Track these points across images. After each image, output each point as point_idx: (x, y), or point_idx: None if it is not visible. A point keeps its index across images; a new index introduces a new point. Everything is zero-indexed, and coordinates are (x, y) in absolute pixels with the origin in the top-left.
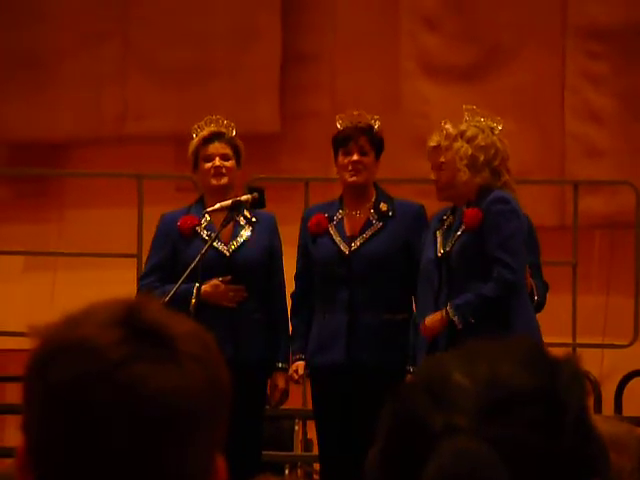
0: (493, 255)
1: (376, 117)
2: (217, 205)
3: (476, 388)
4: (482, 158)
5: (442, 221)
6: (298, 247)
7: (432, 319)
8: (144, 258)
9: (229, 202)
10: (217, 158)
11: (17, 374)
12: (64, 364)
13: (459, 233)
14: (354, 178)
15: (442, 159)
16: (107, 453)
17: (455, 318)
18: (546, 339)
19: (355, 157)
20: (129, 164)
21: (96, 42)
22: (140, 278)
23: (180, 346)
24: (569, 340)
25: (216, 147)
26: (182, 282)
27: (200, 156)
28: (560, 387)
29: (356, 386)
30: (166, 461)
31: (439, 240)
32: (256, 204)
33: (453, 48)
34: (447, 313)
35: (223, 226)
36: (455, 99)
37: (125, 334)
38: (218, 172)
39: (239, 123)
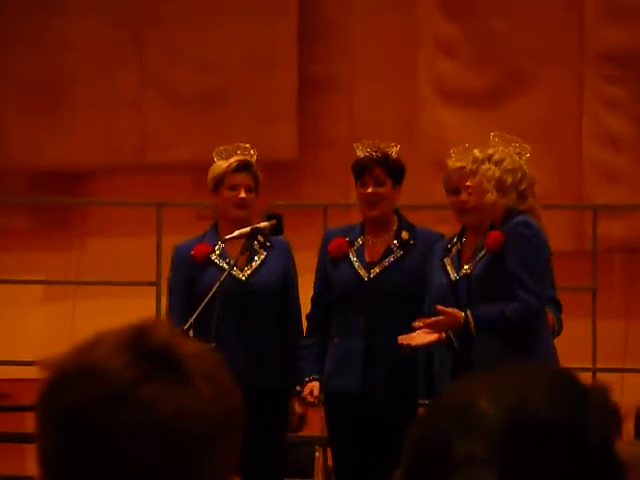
0: (516, 277)
1: (392, 144)
2: (236, 232)
3: (500, 417)
4: (510, 181)
5: (448, 249)
6: (316, 269)
7: (451, 315)
8: (164, 286)
9: (248, 229)
10: (242, 189)
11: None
12: (74, 390)
13: (481, 255)
14: (370, 213)
15: (469, 183)
16: (124, 474)
17: (471, 326)
18: (566, 364)
19: (370, 189)
20: (149, 192)
21: (113, 70)
22: (168, 311)
23: (190, 366)
24: (589, 365)
25: (243, 178)
26: (201, 311)
27: (225, 183)
28: (586, 420)
29: (371, 413)
30: (186, 479)
31: (449, 266)
32: (275, 231)
33: (471, 73)
34: (466, 317)
35: (242, 253)
36: (473, 124)
37: (134, 357)
38: (242, 204)
39: (257, 150)
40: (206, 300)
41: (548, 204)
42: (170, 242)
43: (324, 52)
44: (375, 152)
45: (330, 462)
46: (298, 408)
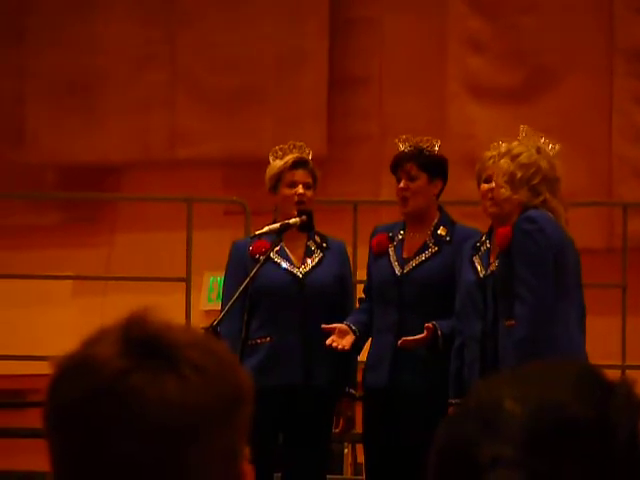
0: (517, 276)
1: (430, 139)
2: (265, 228)
3: (526, 417)
4: (519, 175)
5: (477, 247)
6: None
7: None
8: (194, 282)
9: (277, 225)
10: (300, 186)
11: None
12: (69, 384)
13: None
14: (402, 209)
15: (489, 172)
16: (118, 465)
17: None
18: (595, 361)
19: (402, 184)
20: (178, 188)
21: (145, 68)
22: (222, 308)
23: (179, 355)
24: (619, 362)
25: (301, 175)
26: (234, 301)
27: (283, 180)
28: (612, 415)
29: (401, 410)
30: (176, 469)
31: (478, 264)
32: (304, 227)
33: (500, 70)
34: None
35: (271, 249)
36: (502, 121)
37: (123, 348)
38: (301, 201)
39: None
40: (238, 292)
41: (578, 201)
42: (200, 237)
43: (354, 50)
44: (409, 147)
45: (359, 458)
46: (347, 410)
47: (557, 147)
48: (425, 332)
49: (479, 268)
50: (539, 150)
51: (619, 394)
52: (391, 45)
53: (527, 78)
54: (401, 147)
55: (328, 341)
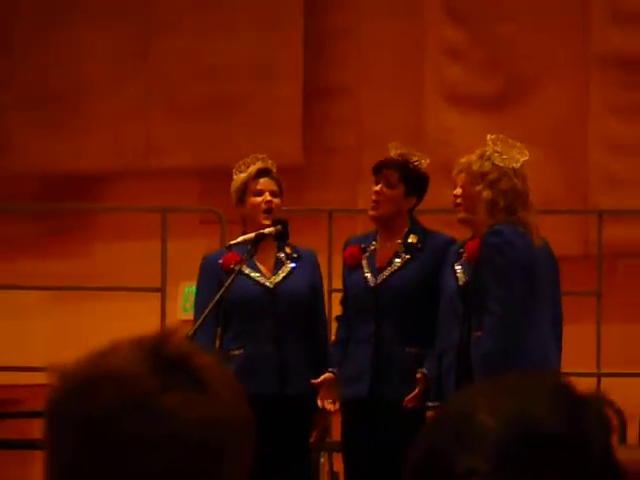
0: (485, 289)
1: (417, 153)
2: (240, 238)
3: (500, 430)
4: (502, 204)
5: (459, 254)
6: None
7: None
8: (169, 292)
9: (252, 235)
10: (267, 193)
11: (43, 410)
12: (94, 397)
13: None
14: (370, 212)
15: (459, 186)
16: None
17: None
18: (571, 368)
19: (377, 188)
20: (155, 198)
21: (120, 79)
22: (194, 321)
23: (208, 375)
24: (594, 369)
25: (266, 183)
26: (208, 314)
27: (249, 190)
28: (586, 429)
29: (381, 420)
30: None
31: (459, 272)
32: (279, 236)
33: (478, 79)
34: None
35: (246, 259)
36: (479, 129)
37: (154, 365)
38: (269, 208)
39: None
40: (213, 303)
41: (554, 209)
42: (175, 247)
43: (331, 58)
44: (398, 155)
45: (336, 467)
46: (321, 420)
47: (525, 157)
48: (419, 385)
49: (460, 276)
50: (515, 172)
51: (592, 409)
52: (368, 54)
53: (504, 87)
54: (391, 152)
55: (319, 404)
